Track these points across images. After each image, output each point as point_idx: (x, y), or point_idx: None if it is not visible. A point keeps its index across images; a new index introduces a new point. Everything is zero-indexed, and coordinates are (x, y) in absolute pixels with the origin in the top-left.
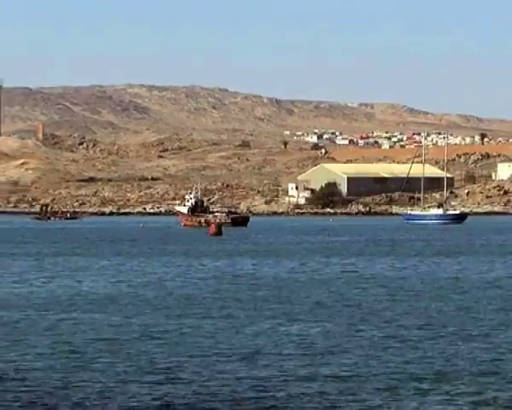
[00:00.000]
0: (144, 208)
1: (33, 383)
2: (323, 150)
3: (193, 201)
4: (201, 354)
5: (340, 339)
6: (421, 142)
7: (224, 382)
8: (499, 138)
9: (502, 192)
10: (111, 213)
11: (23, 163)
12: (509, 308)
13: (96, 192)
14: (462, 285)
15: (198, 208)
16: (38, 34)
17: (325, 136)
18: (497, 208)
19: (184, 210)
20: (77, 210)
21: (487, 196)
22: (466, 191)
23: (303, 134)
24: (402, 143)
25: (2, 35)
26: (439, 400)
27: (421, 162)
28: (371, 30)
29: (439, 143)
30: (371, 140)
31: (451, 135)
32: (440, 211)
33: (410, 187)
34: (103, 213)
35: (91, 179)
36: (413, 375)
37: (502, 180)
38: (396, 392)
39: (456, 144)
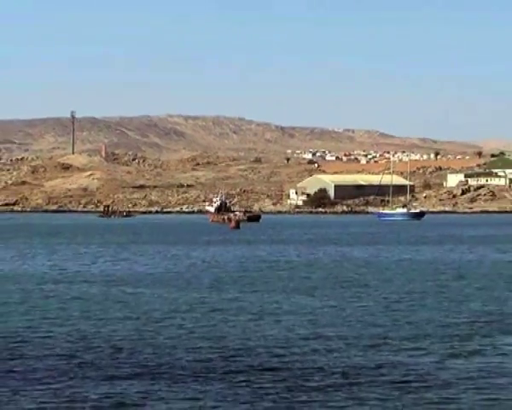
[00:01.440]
0: (181, 208)
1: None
2: (316, 165)
3: (218, 203)
4: (248, 315)
5: (333, 308)
6: (389, 158)
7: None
8: (449, 155)
9: (451, 196)
10: (156, 212)
11: (90, 174)
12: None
13: (145, 196)
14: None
15: (222, 208)
16: (100, 74)
17: (318, 154)
18: (447, 208)
19: (212, 210)
20: (131, 210)
21: (440, 199)
22: (424, 195)
23: (301, 152)
24: (375, 159)
25: (75, 76)
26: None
27: (390, 174)
28: (349, 70)
29: (404, 159)
30: (352, 157)
31: (412, 153)
32: (405, 210)
33: (381, 192)
34: (150, 212)
35: (141, 186)
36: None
37: (450, 187)
38: (376, 348)
39: (416, 160)
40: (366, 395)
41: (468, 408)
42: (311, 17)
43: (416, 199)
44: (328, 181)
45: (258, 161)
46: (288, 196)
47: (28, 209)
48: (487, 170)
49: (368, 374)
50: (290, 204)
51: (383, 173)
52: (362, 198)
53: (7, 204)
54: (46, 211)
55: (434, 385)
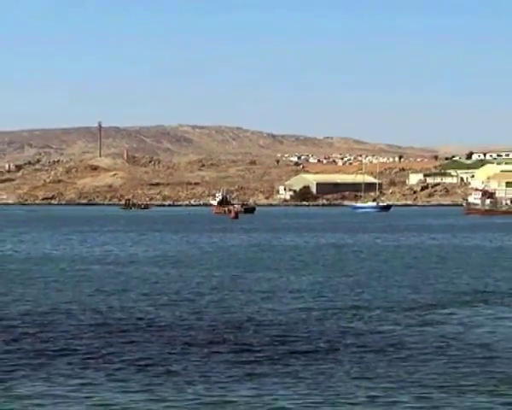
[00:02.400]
0: (189, 202)
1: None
2: (301, 166)
3: (220, 197)
4: (247, 291)
5: (319, 284)
6: (362, 161)
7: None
8: (410, 158)
9: (412, 192)
10: (169, 205)
11: (114, 174)
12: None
13: (159, 192)
14: (379, 248)
15: (224, 202)
16: (122, 90)
17: (302, 157)
18: (409, 202)
19: (215, 203)
20: (148, 203)
21: (403, 194)
22: (390, 191)
23: (288, 156)
24: (350, 161)
25: (101, 91)
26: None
27: (362, 174)
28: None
29: (373, 162)
30: (331, 160)
31: (381, 156)
32: (374, 203)
33: (355, 188)
34: (164, 205)
35: (156, 184)
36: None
37: (412, 184)
38: (357, 316)
39: (383, 162)
40: (345, 359)
41: (430, 366)
42: (299, 38)
43: (384, 194)
44: (311, 179)
45: (253, 163)
46: (278, 192)
47: (63, 202)
48: (442, 171)
49: (346, 340)
50: (279, 198)
51: (356, 173)
52: (339, 193)
53: (45, 198)
54: (78, 204)
55: (402, 348)
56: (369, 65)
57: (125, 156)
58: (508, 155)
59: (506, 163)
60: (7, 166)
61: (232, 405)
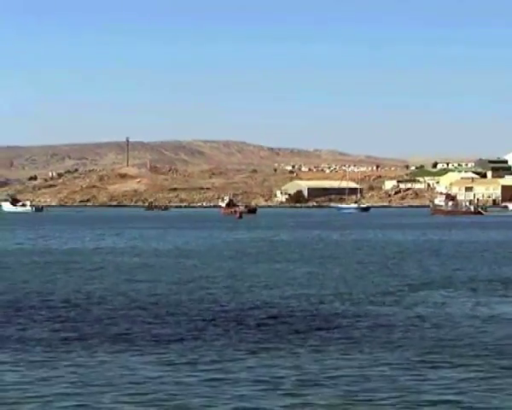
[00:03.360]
0: (202, 204)
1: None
2: (295, 174)
3: (227, 200)
4: (255, 278)
5: (317, 276)
6: (345, 170)
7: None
8: (386, 167)
9: (387, 196)
10: (185, 207)
11: (139, 181)
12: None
13: (177, 195)
14: (362, 243)
15: (230, 204)
16: (146, 110)
17: (296, 166)
18: (385, 204)
19: (223, 205)
20: (167, 205)
21: (380, 198)
22: (369, 195)
23: (284, 165)
24: (336, 170)
25: (128, 112)
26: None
27: (346, 180)
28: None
29: (355, 170)
30: (320, 168)
31: (361, 166)
32: (356, 205)
33: (340, 193)
34: (180, 206)
35: (174, 189)
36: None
37: (387, 189)
38: (353, 301)
39: (363, 171)
40: (335, 335)
41: (408, 339)
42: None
43: (364, 197)
44: (303, 185)
45: (254, 171)
46: (276, 195)
47: (96, 205)
48: (412, 178)
49: (336, 319)
50: (277, 201)
51: (341, 180)
52: (326, 196)
53: (82, 201)
54: (109, 206)
55: (383, 325)
56: (353, 88)
57: (148, 166)
58: (467, 165)
59: (465, 171)
60: (50, 174)
61: (237, 373)
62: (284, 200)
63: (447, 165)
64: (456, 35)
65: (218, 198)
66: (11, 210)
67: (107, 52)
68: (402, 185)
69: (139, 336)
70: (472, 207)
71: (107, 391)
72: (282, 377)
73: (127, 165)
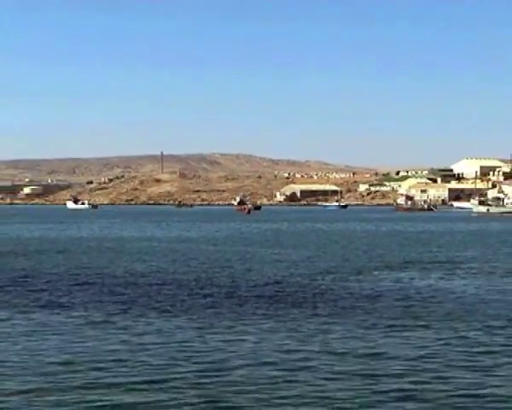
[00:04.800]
0: (219, 203)
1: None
2: (291, 179)
3: (239, 200)
4: (260, 261)
5: (310, 259)
6: (329, 176)
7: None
8: (360, 174)
9: (361, 196)
10: (206, 205)
11: (171, 184)
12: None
13: (199, 196)
14: (344, 234)
15: (241, 203)
16: (176, 128)
17: (291, 173)
18: (359, 203)
19: (235, 203)
20: (192, 203)
21: (355, 198)
22: (347, 196)
23: (282, 172)
24: (322, 176)
25: (162, 131)
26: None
27: (329, 184)
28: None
29: (336, 177)
30: (310, 175)
31: (341, 173)
32: (337, 204)
33: (325, 194)
34: (202, 205)
35: (198, 191)
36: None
37: (361, 191)
38: (338, 276)
39: (342, 177)
40: (321, 305)
41: (382, 306)
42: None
43: (343, 198)
44: (296, 188)
45: (259, 177)
46: (276, 196)
47: (138, 203)
48: (380, 182)
49: (324, 292)
50: (277, 200)
51: (326, 184)
52: (314, 197)
53: (127, 200)
54: (148, 204)
55: (360, 297)
56: (336, 114)
57: (178, 173)
58: (422, 173)
59: (420, 178)
60: (103, 179)
61: (242, 334)
62: (282, 200)
63: (407, 172)
64: (402, 69)
65: (232, 198)
66: (73, 207)
67: (149, 83)
68: (372, 188)
69: (175, 305)
70: (426, 206)
71: (149, 348)
72: (283, 336)
73: (161, 172)
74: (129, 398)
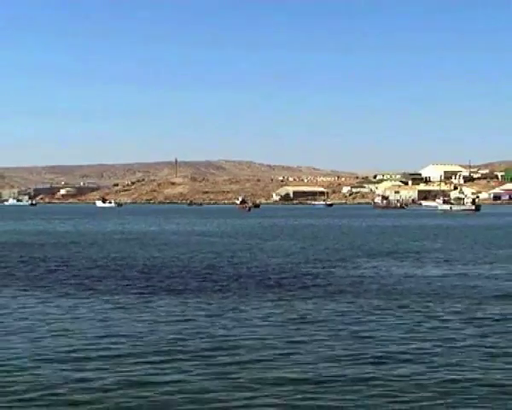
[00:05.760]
0: (224, 202)
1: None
2: (285, 182)
3: (241, 199)
4: (262, 251)
5: (303, 248)
6: (317, 179)
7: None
8: (343, 178)
9: (344, 197)
10: (213, 203)
11: (183, 186)
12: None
13: (208, 196)
14: (332, 228)
15: (243, 202)
16: (189, 139)
17: (285, 177)
18: (343, 202)
19: (238, 202)
20: (201, 202)
21: (339, 198)
22: (332, 196)
23: (278, 176)
24: (311, 180)
25: (177, 141)
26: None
27: (318, 186)
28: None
29: (323, 180)
30: (301, 179)
31: (328, 176)
32: (324, 203)
33: (314, 194)
34: (210, 203)
35: (206, 192)
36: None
37: (344, 192)
38: (329, 264)
39: (328, 180)
40: (312, 289)
41: (367, 290)
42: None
43: (329, 198)
44: (290, 189)
45: (258, 180)
46: (272, 196)
47: (156, 202)
48: (360, 185)
49: (315, 277)
50: (273, 200)
51: (314, 186)
52: (305, 197)
53: (147, 200)
54: (164, 203)
55: (346, 282)
56: (326, 126)
57: (189, 177)
58: (395, 176)
59: (394, 181)
60: (126, 182)
61: (253, 313)
62: (277, 199)
63: (383, 176)
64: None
65: (235, 198)
66: (102, 206)
67: (166, 103)
68: (354, 190)
69: (187, 289)
70: (399, 204)
71: (164, 323)
72: (280, 316)
73: (176, 176)
74: (144, 364)
